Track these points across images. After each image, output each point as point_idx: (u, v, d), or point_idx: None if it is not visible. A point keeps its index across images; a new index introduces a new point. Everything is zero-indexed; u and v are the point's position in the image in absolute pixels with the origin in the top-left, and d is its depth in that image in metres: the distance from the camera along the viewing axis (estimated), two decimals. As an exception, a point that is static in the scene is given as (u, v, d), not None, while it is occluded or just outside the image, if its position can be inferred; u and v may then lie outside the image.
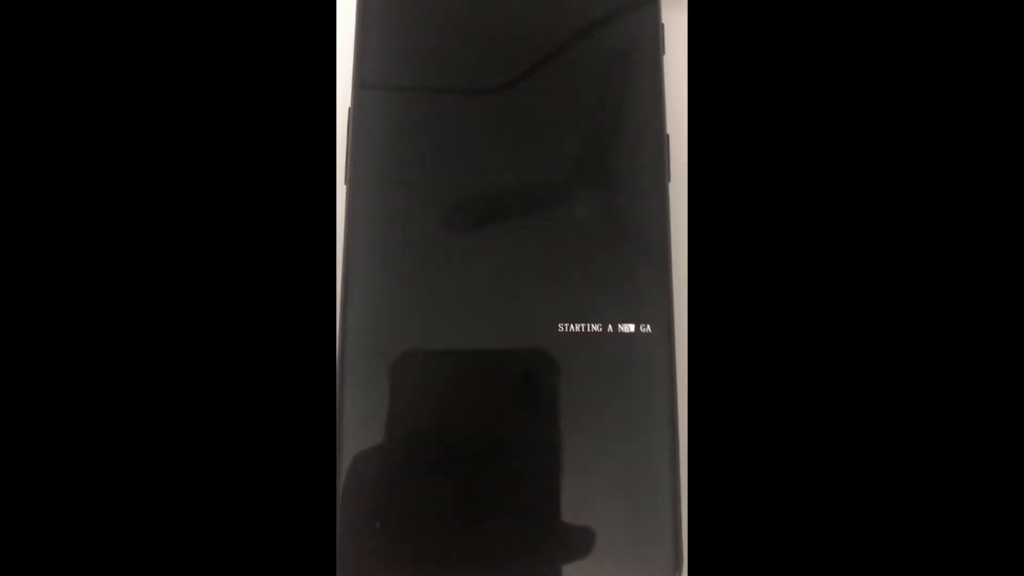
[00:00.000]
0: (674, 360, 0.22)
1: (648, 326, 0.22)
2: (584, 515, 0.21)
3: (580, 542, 0.20)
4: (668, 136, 0.23)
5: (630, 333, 0.22)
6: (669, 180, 0.23)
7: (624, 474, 0.21)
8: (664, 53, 0.24)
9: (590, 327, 0.22)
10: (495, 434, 0.21)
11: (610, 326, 0.22)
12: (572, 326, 0.22)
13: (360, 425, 0.21)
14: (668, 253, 0.22)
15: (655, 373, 0.22)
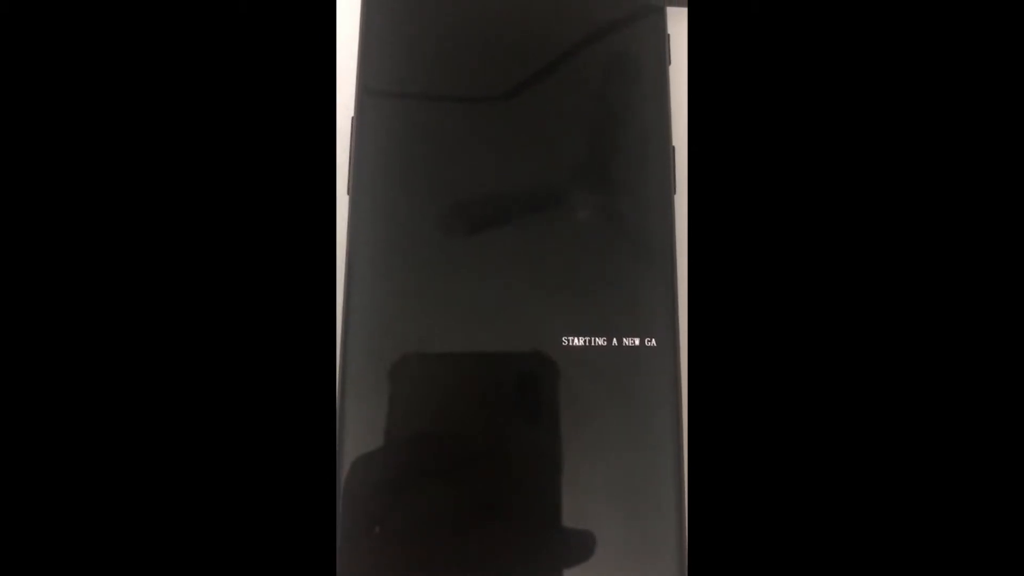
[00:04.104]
0: (679, 373, 0.21)
1: (653, 340, 0.21)
2: (585, 521, 0.20)
3: (580, 546, 0.20)
4: (674, 148, 0.23)
5: (634, 347, 0.21)
6: (675, 192, 0.22)
7: (628, 482, 0.21)
8: (670, 63, 0.23)
9: (594, 340, 0.21)
10: (496, 440, 0.21)
11: (614, 340, 0.21)
12: (575, 339, 0.21)
13: (360, 430, 0.21)
14: (673, 265, 0.22)
15: (660, 387, 0.21)
